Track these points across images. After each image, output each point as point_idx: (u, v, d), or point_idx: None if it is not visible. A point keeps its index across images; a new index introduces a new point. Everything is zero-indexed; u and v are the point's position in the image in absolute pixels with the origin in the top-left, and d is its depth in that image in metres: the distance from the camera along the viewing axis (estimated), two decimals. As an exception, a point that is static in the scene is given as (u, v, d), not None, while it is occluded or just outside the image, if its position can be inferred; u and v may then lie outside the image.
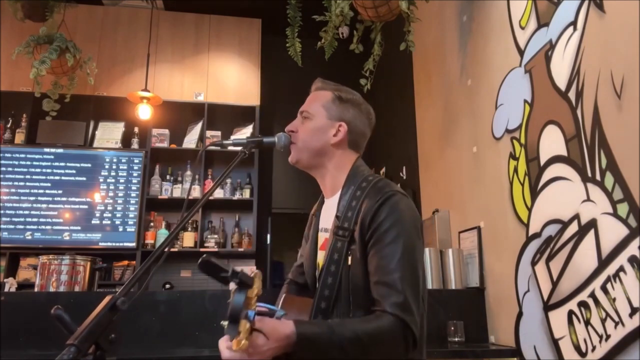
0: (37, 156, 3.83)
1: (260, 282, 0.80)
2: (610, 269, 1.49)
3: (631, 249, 1.41)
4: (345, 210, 1.09)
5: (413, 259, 1.01)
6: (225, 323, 0.75)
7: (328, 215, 1.19)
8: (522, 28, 2.07)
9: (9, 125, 3.97)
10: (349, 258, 1.04)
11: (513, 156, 2.11)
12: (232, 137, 3.14)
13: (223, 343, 0.89)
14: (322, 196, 1.27)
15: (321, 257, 1.16)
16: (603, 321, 1.52)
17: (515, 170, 2.08)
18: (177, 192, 4.12)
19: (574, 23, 1.73)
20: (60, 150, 3.88)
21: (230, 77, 4.38)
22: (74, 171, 3.87)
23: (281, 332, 0.87)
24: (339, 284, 1.03)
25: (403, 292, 0.95)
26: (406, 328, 0.94)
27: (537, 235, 1.90)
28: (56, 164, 3.85)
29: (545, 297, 1.82)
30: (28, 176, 3.78)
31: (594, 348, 1.56)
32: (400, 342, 0.94)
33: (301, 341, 0.88)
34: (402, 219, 1.03)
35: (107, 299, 0.73)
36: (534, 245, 1.91)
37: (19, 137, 3.94)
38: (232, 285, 0.77)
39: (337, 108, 1.21)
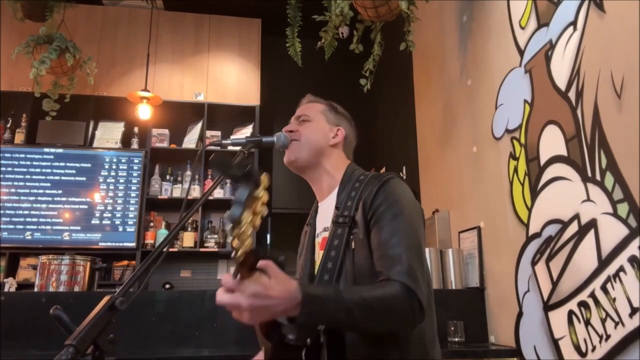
0: (37, 156, 3.83)
1: (266, 184, 0.74)
2: (610, 269, 1.49)
3: (631, 249, 1.41)
4: (344, 201, 1.12)
5: (413, 232, 1.04)
6: (228, 227, 0.68)
7: (325, 216, 1.20)
8: (522, 28, 2.07)
9: (9, 125, 3.97)
10: (352, 242, 1.06)
11: (513, 156, 2.11)
12: (232, 137, 3.14)
13: (225, 279, 0.78)
14: (315, 203, 1.29)
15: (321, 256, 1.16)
16: (603, 321, 1.52)
17: (515, 170, 2.08)
18: (177, 192, 4.11)
19: (574, 23, 1.73)
20: (60, 150, 3.88)
21: (230, 77, 4.38)
22: (73, 171, 3.86)
23: (289, 284, 0.81)
24: (339, 268, 1.04)
25: (407, 261, 0.97)
26: (412, 294, 0.93)
27: (537, 235, 1.90)
28: (56, 164, 3.84)
29: (545, 297, 1.82)
30: (28, 176, 3.78)
31: (594, 348, 1.55)
32: (407, 307, 0.93)
33: (307, 299, 0.82)
34: (400, 199, 1.07)
35: (105, 299, 0.72)
36: (534, 245, 1.91)
37: (19, 137, 3.93)
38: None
39: (334, 116, 1.29)
